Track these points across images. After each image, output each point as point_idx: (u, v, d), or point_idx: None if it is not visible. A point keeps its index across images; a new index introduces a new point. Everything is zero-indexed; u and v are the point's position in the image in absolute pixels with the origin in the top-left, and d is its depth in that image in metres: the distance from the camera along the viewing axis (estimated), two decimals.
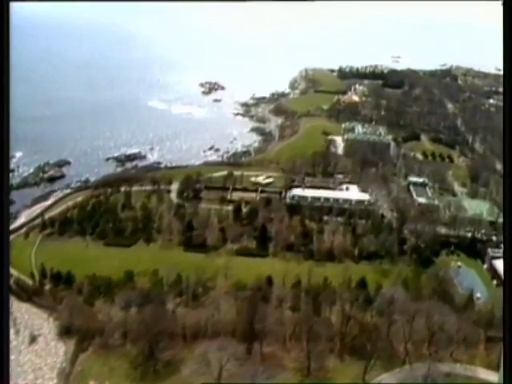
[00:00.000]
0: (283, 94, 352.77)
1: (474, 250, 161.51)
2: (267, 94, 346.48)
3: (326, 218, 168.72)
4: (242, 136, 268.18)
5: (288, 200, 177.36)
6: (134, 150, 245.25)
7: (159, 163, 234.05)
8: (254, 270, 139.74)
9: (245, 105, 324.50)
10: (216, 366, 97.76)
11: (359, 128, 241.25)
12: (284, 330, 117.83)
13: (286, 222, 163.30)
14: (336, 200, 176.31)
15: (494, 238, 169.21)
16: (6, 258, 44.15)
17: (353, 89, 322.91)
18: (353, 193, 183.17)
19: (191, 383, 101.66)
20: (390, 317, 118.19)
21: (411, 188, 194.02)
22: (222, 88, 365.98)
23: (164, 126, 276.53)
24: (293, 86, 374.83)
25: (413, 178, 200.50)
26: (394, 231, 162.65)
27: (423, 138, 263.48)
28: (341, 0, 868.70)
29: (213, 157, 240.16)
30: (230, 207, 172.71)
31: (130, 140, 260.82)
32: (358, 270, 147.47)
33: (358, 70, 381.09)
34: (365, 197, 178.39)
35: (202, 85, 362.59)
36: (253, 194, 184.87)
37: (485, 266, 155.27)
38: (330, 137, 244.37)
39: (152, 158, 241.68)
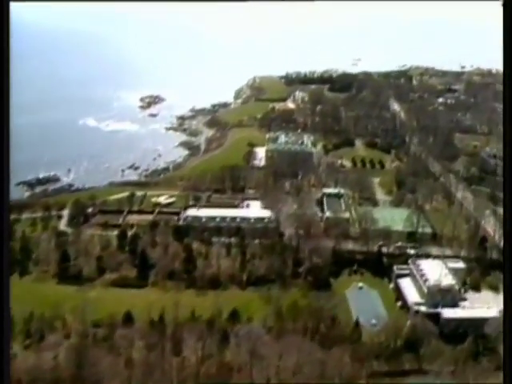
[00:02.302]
0: (224, 105, 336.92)
1: (380, 267, 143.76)
2: (208, 106, 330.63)
3: (216, 239, 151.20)
4: (168, 152, 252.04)
5: (181, 221, 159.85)
6: (48, 173, 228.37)
7: (71, 185, 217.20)
8: (127, 303, 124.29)
9: (181, 118, 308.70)
10: None
11: (282, 137, 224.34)
12: (126, 374, 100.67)
13: (171, 247, 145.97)
14: (233, 219, 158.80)
15: (412, 252, 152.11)
16: (6, 257, 43.58)
17: (293, 95, 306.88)
18: (253, 210, 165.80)
19: None
20: (251, 355, 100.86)
21: (324, 200, 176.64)
22: (163, 100, 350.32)
23: (90, 145, 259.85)
24: (238, 95, 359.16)
25: (327, 190, 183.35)
26: (290, 251, 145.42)
27: (358, 143, 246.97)
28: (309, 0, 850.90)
29: (131, 176, 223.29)
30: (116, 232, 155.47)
31: (51, 162, 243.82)
32: (241, 297, 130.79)
33: (305, 75, 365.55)
34: (265, 214, 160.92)
35: (142, 99, 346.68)
36: (149, 217, 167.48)
37: (391, 286, 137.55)
38: (254, 148, 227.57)
39: (67, 179, 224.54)
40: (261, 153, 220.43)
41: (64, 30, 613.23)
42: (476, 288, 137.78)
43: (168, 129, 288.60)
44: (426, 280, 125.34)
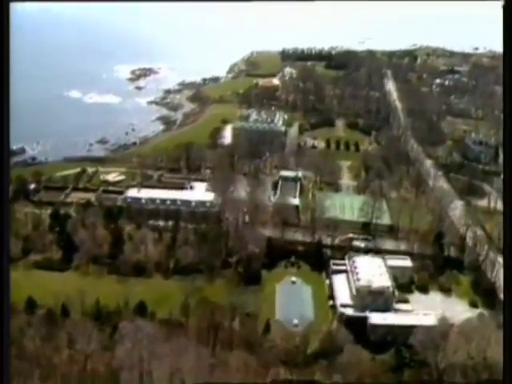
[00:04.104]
0: (216, 79, 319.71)
1: (320, 260, 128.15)
2: (199, 80, 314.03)
3: (152, 223, 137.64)
4: (143, 126, 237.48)
5: (120, 202, 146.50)
6: (17, 146, 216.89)
7: (34, 159, 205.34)
8: (48, 287, 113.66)
9: (167, 91, 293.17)
10: None
11: (253, 115, 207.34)
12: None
13: (99, 230, 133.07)
14: (173, 201, 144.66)
15: (362, 245, 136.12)
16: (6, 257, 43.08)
17: (282, 71, 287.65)
18: (197, 192, 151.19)
19: None
20: (131, 354, 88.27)
21: (279, 184, 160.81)
22: (155, 73, 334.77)
23: (68, 118, 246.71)
24: (231, 69, 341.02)
25: (284, 173, 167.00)
26: (226, 239, 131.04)
27: (338, 123, 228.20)
28: None
29: (98, 150, 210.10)
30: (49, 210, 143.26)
31: (25, 134, 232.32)
32: (161, 287, 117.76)
33: (303, 51, 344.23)
34: (208, 197, 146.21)
35: (132, 72, 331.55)
36: (93, 195, 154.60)
37: (327, 282, 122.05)
38: (224, 125, 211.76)
39: (32, 153, 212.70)
40: (230, 131, 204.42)
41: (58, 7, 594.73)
42: (423, 289, 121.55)
43: (150, 102, 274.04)
44: (358, 279, 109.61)
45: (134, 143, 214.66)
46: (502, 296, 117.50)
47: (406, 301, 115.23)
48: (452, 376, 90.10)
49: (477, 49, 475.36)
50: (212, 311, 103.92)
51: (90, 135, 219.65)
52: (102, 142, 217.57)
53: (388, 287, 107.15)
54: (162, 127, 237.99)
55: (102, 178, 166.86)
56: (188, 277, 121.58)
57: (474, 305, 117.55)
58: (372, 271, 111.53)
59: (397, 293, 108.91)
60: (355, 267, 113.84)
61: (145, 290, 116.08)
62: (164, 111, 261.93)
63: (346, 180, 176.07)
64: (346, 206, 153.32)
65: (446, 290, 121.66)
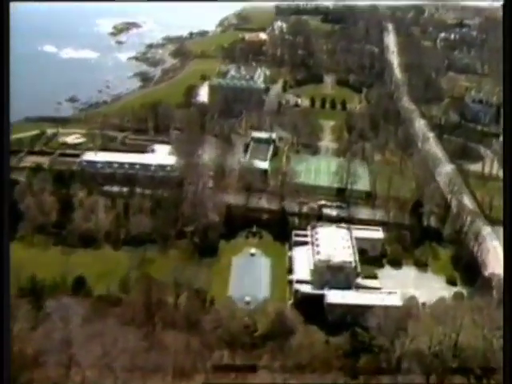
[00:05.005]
0: (203, 33, 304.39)
1: (284, 230, 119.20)
2: (186, 34, 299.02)
3: (105, 189, 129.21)
4: (119, 83, 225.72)
5: (75, 166, 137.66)
6: None
7: None
8: None
9: (150, 46, 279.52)
10: None
11: (232, 71, 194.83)
12: None
13: (47, 196, 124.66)
14: (132, 166, 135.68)
15: (334, 213, 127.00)
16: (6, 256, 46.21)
17: (271, 25, 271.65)
18: (158, 156, 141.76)
19: None
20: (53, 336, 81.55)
21: (250, 146, 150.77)
22: (139, 27, 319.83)
23: (39, 74, 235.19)
24: (221, 23, 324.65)
25: (257, 134, 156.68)
26: (183, 206, 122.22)
27: (327, 79, 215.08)
28: None
29: (66, 110, 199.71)
30: None
31: None
32: (108, 259, 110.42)
33: (298, 6, 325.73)
34: (169, 161, 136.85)
35: (115, 26, 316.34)
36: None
37: (289, 254, 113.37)
38: (199, 82, 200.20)
39: None
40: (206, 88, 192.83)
41: None
42: (395, 264, 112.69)
43: (130, 58, 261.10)
44: (317, 252, 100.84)
45: (105, 102, 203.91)
46: (485, 272, 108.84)
47: (374, 276, 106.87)
48: (412, 364, 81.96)
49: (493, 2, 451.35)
50: (155, 287, 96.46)
51: (60, 93, 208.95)
52: (72, 100, 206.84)
53: (350, 262, 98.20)
54: (139, 84, 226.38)
55: (60, 140, 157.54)
56: (139, 248, 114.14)
57: (451, 282, 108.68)
58: (334, 244, 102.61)
59: (359, 268, 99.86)
60: (316, 239, 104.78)
61: (91, 262, 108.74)
62: (144, 67, 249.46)
63: (327, 142, 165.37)
64: (321, 170, 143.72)
65: (421, 265, 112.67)
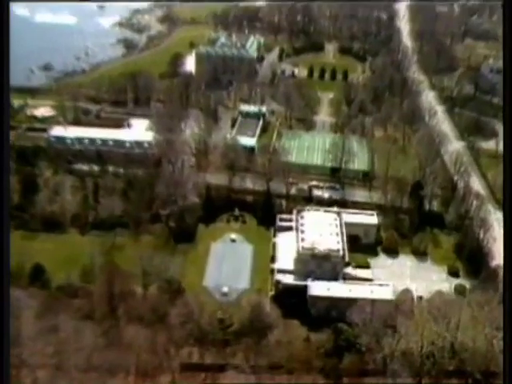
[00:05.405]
0: None
1: (269, 214, 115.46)
2: None
3: (74, 168, 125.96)
4: (99, 51, 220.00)
5: (43, 142, 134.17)
6: None
7: None
8: None
9: (136, 11, 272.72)
10: None
11: (222, 39, 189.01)
12: None
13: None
14: (105, 142, 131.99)
15: (326, 195, 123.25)
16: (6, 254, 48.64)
17: None
18: (134, 131, 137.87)
19: None
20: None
21: (238, 121, 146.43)
22: None
23: (12, 39, 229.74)
24: None
25: (245, 107, 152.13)
26: (161, 187, 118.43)
27: (329, 47, 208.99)
28: None
29: (38, 79, 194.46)
30: None
31: None
32: (75, 245, 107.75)
33: None
34: (147, 137, 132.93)
35: None
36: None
37: (274, 240, 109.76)
38: (187, 51, 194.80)
39: None
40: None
41: None
42: (391, 252, 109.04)
43: (113, 24, 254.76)
44: (302, 239, 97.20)
45: (84, 71, 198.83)
46: (491, 263, 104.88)
47: (366, 266, 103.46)
48: (400, 365, 78.71)
49: None
50: (120, 276, 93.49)
51: (33, 60, 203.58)
52: (46, 68, 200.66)
53: (337, 250, 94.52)
54: (122, 52, 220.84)
55: (28, 112, 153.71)
56: (109, 233, 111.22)
57: (453, 273, 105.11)
58: (321, 230, 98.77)
59: (348, 257, 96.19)
60: (302, 224, 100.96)
61: (53, 248, 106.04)
62: (128, 34, 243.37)
63: (323, 116, 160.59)
64: (316, 147, 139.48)
65: (420, 254, 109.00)
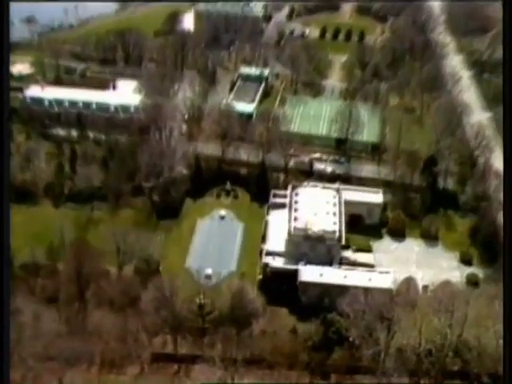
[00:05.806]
0: None
1: (265, 189, 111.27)
2: None
3: (49, 132, 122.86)
4: (91, 3, 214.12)
5: (17, 104, 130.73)
6: None
7: None
8: None
9: None
10: None
11: None
12: None
13: None
14: (87, 105, 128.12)
15: (329, 169, 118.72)
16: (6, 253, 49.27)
17: None
18: (120, 93, 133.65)
19: None
20: None
21: (237, 84, 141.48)
22: None
23: None
24: None
25: (245, 69, 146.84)
26: (145, 156, 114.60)
27: (345, 7, 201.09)
28: None
29: (19, 33, 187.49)
30: None
31: None
32: (47, 218, 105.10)
33: None
34: (134, 100, 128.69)
35: None
36: None
37: (267, 218, 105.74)
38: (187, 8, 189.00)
39: None
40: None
41: None
42: (397, 234, 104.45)
43: None
44: (295, 219, 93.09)
45: (71, 26, 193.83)
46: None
47: (368, 250, 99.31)
48: (395, 362, 75.08)
49: None
50: (91, 254, 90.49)
51: (14, 11, 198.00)
52: (28, 21, 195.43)
53: (332, 232, 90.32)
54: (116, 7, 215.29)
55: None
56: (86, 205, 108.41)
57: (466, 261, 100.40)
58: (316, 208, 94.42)
59: (344, 240, 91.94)
60: (296, 201, 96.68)
61: (22, 221, 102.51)
62: None
63: (334, 81, 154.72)
64: (322, 115, 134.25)
65: (430, 238, 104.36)
